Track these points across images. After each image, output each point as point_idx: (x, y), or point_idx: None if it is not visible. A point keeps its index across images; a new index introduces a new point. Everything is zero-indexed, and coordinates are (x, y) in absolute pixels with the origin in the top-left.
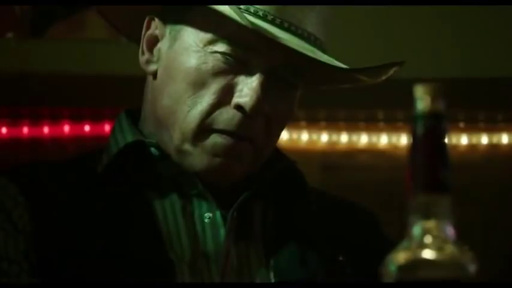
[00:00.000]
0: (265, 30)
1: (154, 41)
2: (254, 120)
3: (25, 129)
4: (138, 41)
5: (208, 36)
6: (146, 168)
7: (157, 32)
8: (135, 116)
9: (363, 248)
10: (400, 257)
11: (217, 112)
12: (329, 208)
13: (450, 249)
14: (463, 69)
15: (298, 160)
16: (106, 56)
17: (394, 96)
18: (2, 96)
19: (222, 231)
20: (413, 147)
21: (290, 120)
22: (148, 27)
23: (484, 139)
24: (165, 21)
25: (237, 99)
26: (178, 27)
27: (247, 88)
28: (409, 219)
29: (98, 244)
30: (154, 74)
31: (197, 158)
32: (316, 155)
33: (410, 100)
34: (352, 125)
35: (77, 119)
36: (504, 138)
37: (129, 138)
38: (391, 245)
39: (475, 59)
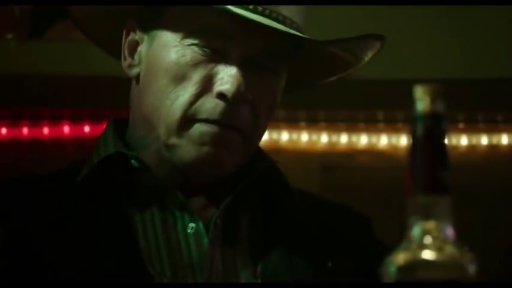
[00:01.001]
0: (237, 13)
1: (134, 45)
2: (238, 108)
3: (25, 130)
4: (109, 49)
5: (184, 30)
6: (126, 180)
7: (136, 36)
8: (122, 126)
9: (353, 254)
10: (400, 257)
11: (199, 102)
12: (319, 212)
13: (450, 249)
14: (462, 70)
15: (298, 160)
16: (105, 57)
17: (393, 97)
18: (1, 97)
19: (206, 240)
20: (413, 148)
21: (275, 108)
22: (128, 34)
23: (484, 140)
24: (143, 24)
25: (218, 87)
26: (155, 27)
27: (227, 76)
28: (409, 219)
29: (71, 260)
30: (138, 77)
31: (185, 149)
32: (316, 156)
33: (410, 101)
34: (352, 125)
35: (76, 119)
36: (504, 139)
37: (111, 149)
38: (383, 251)
39: (474, 59)
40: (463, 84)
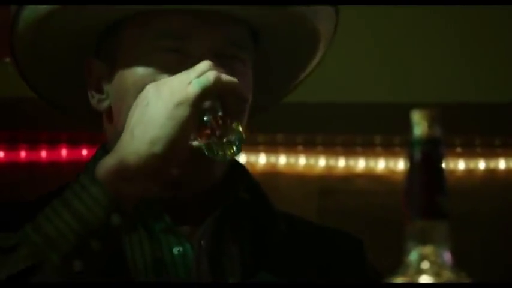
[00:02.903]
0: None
1: (98, 81)
2: None
3: (23, 153)
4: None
5: (142, 43)
6: None
7: (98, 71)
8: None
9: (342, 277)
10: (397, 282)
11: None
12: (308, 237)
13: (447, 275)
14: (460, 94)
15: (296, 184)
16: None
17: (391, 121)
18: None
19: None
20: (411, 172)
21: (250, 97)
22: (89, 73)
23: (482, 164)
24: (101, 57)
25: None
26: (113, 56)
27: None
28: (406, 244)
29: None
30: (109, 110)
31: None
32: (314, 180)
33: (407, 125)
34: (350, 149)
35: (74, 143)
36: (501, 163)
37: None
38: (374, 274)
39: (472, 84)
40: (460, 108)
